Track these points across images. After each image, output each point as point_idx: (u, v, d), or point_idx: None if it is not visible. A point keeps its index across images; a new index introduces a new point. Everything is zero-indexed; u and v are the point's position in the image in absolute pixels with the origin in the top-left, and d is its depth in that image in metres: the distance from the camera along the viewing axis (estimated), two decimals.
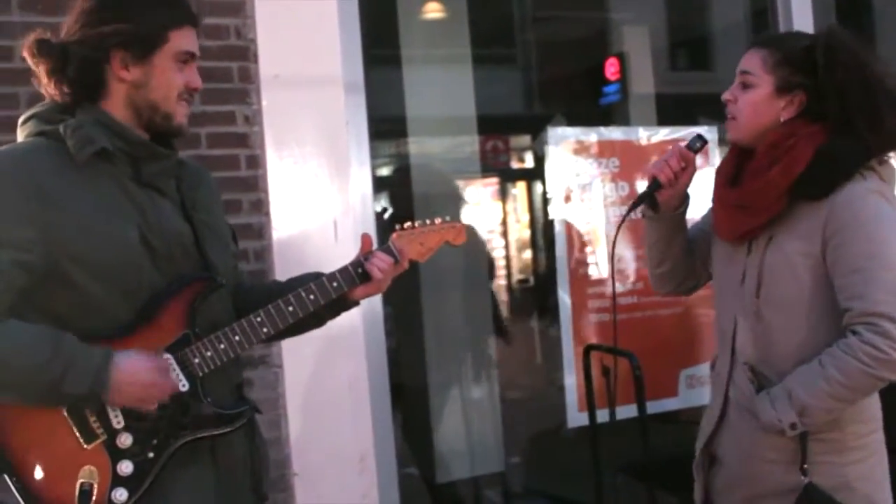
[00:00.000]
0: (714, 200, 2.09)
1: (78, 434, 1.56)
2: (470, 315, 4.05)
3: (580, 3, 5.67)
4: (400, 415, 3.40)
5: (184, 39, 1.70)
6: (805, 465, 1.87)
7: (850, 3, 5.98)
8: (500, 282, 8.36)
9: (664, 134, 3.28)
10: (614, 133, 3.25)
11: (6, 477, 1.54)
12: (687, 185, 2.10)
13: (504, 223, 8.88)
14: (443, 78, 4.29)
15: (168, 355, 1.63)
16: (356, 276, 1.81)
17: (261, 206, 2.64)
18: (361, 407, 2.69)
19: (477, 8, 4.58)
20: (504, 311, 6.33)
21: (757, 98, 1.96)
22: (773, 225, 1.93)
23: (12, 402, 1.54)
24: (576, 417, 3.10)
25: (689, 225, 2.22)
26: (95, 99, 1.67)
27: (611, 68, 6.04)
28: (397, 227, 1.87)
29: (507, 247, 8.90)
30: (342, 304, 1.86)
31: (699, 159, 2.11)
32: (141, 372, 1.55)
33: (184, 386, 1.63)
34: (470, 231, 3.86)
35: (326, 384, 2.66)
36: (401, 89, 3.93)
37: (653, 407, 3.05)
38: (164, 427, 1.61)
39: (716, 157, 3.19)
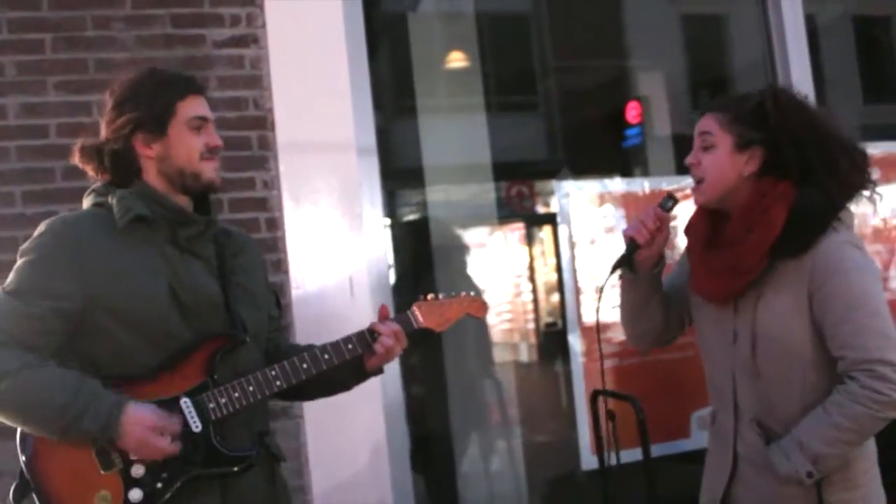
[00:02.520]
0: (693, 263, 2.13)
1: (98, 461, 1.77)
2: (490, 360, 4.12)
3: (598, 52, 5.82)
4: (422, 464, 3.48)
5: (191, 107, 1.93)
6: None
7: (870, 42, 6.08)
8: (529, 325, 8.38)
9: (668, 185, 3.39)
10: (618, 185, 3.36)
11: (34, 495, 1.76)
12: (663, 245, 2.13)
13: (531, 267, 8.91)
14: (459, 127, 4.41)
15: (186, 403, 1.83)
16: (371, 339, 1.98)
17: (280, 266, 2.79)
18: (380, 455, 2.80)
19: (493, 58, 4.72)
20: (531, 355, 6.38)
21: (719, 157, 2.01)
22: (759, 284, 1.99)
23: (42, 434, 1.76)
24: (589, 460, 3.17)
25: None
26: (139, 175, 1.92)
27: (632, 111, 6.16)
28: (420, 297, 2.05)
29: (534, 290, 8.91)
30: (363, 371, 2.04)
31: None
32: (140, 425, 1.75)
33: (196, 427, 1.82)
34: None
35: (346, 434, 2.77)
36: (417, 139, 4.05)
37: (666, 448, 3.12)
38: (174, 462, 1.80)
39: None
